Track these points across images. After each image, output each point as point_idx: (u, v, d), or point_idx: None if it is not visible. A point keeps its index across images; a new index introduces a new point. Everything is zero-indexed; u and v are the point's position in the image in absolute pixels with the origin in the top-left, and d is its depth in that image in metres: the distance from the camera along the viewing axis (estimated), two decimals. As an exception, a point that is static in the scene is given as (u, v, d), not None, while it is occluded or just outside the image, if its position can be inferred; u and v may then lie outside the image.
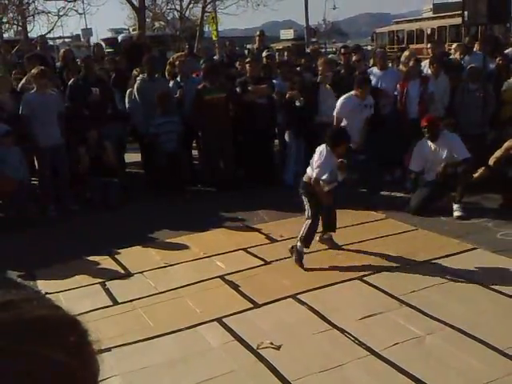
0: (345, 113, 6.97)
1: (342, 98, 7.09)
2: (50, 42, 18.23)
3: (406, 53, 9.05)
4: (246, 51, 12.67)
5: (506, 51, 9.49)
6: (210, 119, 7.62)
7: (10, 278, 5.12)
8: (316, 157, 5.06)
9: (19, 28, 19.71)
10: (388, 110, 7.90)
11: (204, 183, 8.05)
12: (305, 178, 5.19)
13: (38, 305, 0.69)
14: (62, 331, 0.68)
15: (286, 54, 10.88)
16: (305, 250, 5.09)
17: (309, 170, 5.17)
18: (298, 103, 7.69)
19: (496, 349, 3.50)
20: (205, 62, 8.70)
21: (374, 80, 8.09)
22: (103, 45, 15.17)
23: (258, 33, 11.87)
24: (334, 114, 7.03)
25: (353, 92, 7.01)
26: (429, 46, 10.02)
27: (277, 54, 11.08)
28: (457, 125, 6.97)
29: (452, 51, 10.19)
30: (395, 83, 7.97)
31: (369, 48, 22.82)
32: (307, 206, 5.11)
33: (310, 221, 5.08)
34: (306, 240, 5.08)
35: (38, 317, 0.67)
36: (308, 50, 10.46)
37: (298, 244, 5.08)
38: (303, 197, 5.16)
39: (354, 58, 9.05)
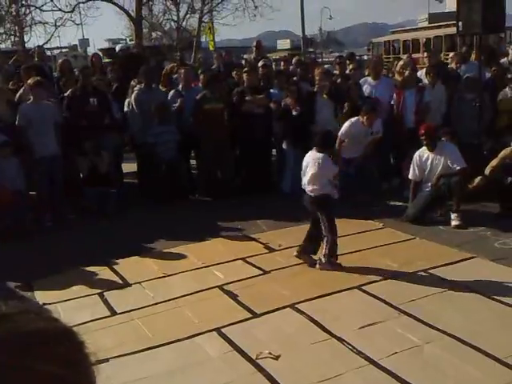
0: (348, 136, 6.98)
1: (348, 122, 7.05)
2: (48, 53, 18.25)
3: (401, 62, 9.13)
4: (243, 61, 12.68)
5: (501, 61, 9.56)
6: (208, 128, 7.65)
7: (9, 289, 5.10)
8: (318, 167, 5.08)
9: (16, 39, 19.77)
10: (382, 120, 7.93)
11: (201, 193, 8.05)
12: (308, 193, 5.18)
13: (35, 317, 0.68)
14: (59, 344, 0.67)
15: (282, 63, 10.92)
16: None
17: (308, 185, 5.19)
18: (294, 112, 7.73)
19: (495, 358, 3.49)
20: (202, 73, 8.73)
21: (368, 89, 8.15)
22: (101, 55, 15.21)
23: (254, 43, 11.91)
24: (339, 134, 6.99)
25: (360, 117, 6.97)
26: (425, 55, 10.07)
27: (273, 63, 11.10)
28: (456, 134, 6.99)
29: (449, 60, 10.24)
30: (389, 92, 8.02)
31: (365, 58, 22.93)
32: (323, 224, 5.09)
33: (329, 236, 5.07)
34: (332, 255, 5.12)
35: (34, 330, 0.66)
36: (294, 60, 10.45)
37: (324, 260, 5.13)
38: (318, 213, 5.15)
39: (350, 67, 9.11)
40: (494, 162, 6.64)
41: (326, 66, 12.10)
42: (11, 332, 0.65)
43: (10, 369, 0.62)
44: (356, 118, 7.01)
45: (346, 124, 7.05)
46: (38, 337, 0.66)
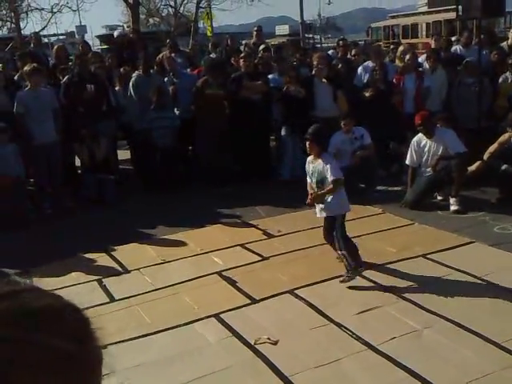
0: (334, 148, 6.47)
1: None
2: (45, 40, 18.12)
3: (402, 47, 9.08)
4: (242, 46, 12.59)
5: (501, 44, 9.45)
6: (208, 114, 7.59)
7: (7, 274, 5.10)
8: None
9: (12, 25, 19.62)
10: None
11: (200, 179, 8.02)
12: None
13: (40, 294, 0.70)
14: (67, 319, 0.68)
15: (283, 49, 10.85)
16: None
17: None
18: (299, 95, 7.66)
19: (493, 342, 3.50)
20: (205, 60, 8.71)
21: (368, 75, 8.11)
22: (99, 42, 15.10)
23: (255, 28, 11.80)
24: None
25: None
26: (434, 38, 10.19)
27: (272, 49, 11.03)
28: (451, 119, 6.95)
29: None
30: (390, 76, 8.00)
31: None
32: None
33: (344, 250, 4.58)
34: (356, 261, 4.57)
35: (42, 306, 0.67)
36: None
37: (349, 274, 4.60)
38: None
39: (352, 53, 9.09)
40: (491, 148, 6.62)
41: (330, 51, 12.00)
42: (20, 307, 0.66)
43: (18, 344, 0.63)
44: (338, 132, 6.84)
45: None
46: (46, 312, 0.67)
